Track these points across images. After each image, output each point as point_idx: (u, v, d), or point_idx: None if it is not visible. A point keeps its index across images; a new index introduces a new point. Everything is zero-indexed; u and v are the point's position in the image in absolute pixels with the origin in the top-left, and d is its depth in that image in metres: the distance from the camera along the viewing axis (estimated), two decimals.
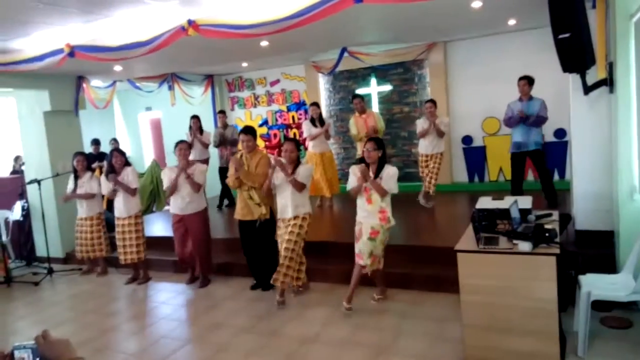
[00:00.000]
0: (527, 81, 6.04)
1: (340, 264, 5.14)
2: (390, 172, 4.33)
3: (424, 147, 7.05)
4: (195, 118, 8.34)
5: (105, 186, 5.95)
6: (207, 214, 5.72)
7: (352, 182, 4.45)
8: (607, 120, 4.41)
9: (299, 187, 4.65)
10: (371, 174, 4.33)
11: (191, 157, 8.02)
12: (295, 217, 4.72)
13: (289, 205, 4.71)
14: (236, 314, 4.76)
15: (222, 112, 8.58)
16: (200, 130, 8.29)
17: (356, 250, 4.46)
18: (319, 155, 7.42)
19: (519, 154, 6.23)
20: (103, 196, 6.41)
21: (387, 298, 4.67)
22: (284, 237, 4.74)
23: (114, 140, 9.21)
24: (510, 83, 6.70)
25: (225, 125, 8.37)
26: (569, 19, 3.83)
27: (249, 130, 5.15)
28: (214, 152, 8.55)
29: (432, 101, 6.96)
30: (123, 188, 5.81)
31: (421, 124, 6.97)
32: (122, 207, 5.89)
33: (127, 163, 6.05)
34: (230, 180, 5.12)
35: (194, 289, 5.62)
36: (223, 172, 7.77)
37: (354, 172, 4.43)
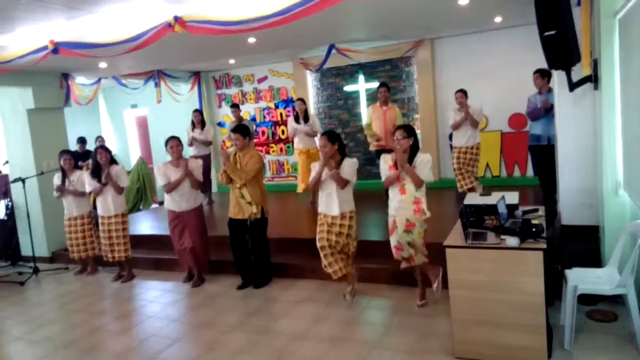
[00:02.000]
0: (540, 74, 5.90)
1: None
2: (424, 160, 4.08)
3: (458, 139, 6.78)
4: (197, 112, 8.32)
5: (90, 183, 5.87)
6: (203, 211, 5.67)
7: (385, 171, 4.23)
8: (592, 116, 4.47)
9: (342, 183, 4.41)
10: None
11: (192, 153, 8.07)
12: (342, 216, 4.48)
13: (334, 201, 4.47)
14: (226, 312, 4.74)
15: (236, 105, 8.41)
16: (202, 125, 8.23)
17: (393, 243, 4.23)
18: (304, 151, 7.43)
19: (540, 147, 6.01)
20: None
21: (439, 299, 4.27)
22: (330, 235, 4.48)
23: (100, 138, 9.10)
24: (497, 80, 6.79)
25: (240, 120, 8.29)
26: (554, 17, 3.86)
27: (237, 129, 5.13)
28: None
29: (462, 91, 6.62)
30: (112, 185, 5.75)
31: (452, 116, 6.75)
32: (110, 205, 5.82)
33: (113, 161, 5.96)
34: (219, 175, 5.12)
35: (183, 287, 5.58)
36: None
37: (386, 161, 4.23)
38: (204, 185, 8.41)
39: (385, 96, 6.97)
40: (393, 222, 4.22)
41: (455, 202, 6.74)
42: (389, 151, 4.72)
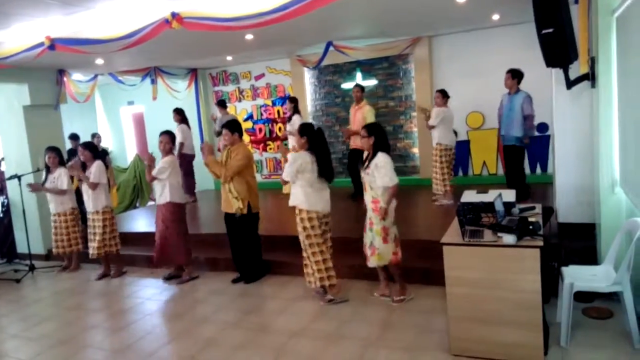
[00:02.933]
0: (511, 74, 6.05)
1: None
2: (379, 164, 4.13)
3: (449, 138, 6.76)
4: (175, 111, 8.56)
5: (67, 182, 6.13)
6: (177, 206, 5.52)
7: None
8: (589, 114, 4.48)
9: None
10: (366, 163, 4.28)
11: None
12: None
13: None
14: (223, 309, 4.74)
15: (222, 103, 8.75)
16: (182, 123, 8.51)
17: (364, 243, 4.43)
18: (291, 150, 7.50)
19: (505, 147, 6.37)
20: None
21: (404, 300, 4.39)
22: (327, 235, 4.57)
23: (96, 135, 9.04)
24: (494, 78, 6.77)
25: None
26: (552, 14, 3.86)
27: (227, 124, 5.18)
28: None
29: (440, 91, 6.74)
30: (86, 182, 5.82)
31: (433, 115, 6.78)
32: (90, 201, 5.91)
33: (98, 156, 6.02)
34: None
35: (178, 284, 5.58)
36: None
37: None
38: (188, 185, 8.44)
39: (357, 95, 7.19)
40: (366, 220, 4.40)
41: (452, 199, 6.73)
42: (360, 153, 4.79)
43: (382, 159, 4.16)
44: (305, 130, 4.46)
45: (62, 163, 6.36)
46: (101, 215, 5.91)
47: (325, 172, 4.43)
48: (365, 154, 4.38)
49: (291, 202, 4.52)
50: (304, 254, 4.54)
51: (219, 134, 8.21)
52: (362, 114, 7.05)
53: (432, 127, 6.72)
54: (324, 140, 4.52)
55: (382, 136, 4.25)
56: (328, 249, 4.55)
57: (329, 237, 4.60)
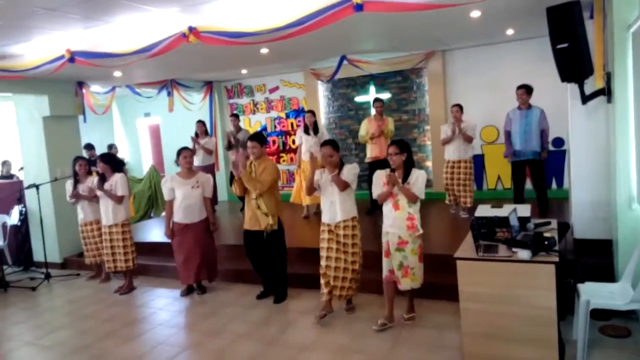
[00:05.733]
0: (525, 90, 6.05)
1: None
2: (419, 177, 4.05)
3: (450, 152, 6.71)
4: (200, 122, 8.48)
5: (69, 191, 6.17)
6: (208, 223, 5.57)
7: (377, 188, 4.19)
8: (605, 129, 4.44)
9: (342, 185, 4.34)
10: (399, 179, 4.06)
11: (195, 164, 8.13)
12: (345, 223, 4.41)
13: (337, 207, 4.40)
14: (235, 321, 4.74)
15: (235, 115, 8.62)
16: (206, 134, 8.43)
17: (385, 267, 4.18)
18: (307, 163, 7.46)
19: (518, 163, 6.26)
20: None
21: (414, 318, 4.34)
22: (331, 244, 4.42)
23: (113, 146, 9.17)
24: (508, 92, 6.74)
25: (238, 129, 8.40)
26: (567, 29, 3.86)
27: (255, 137, 5.06)
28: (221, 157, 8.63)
29: (459, 105, 6.65)
30: (107, 195, 5.72)
31: (445, 130, 6.75)
32: (109, 214, 5.79)
33: (117, 169, 5.91)
34: (233, 185, 5.02)
35: (193, 295, 5.60)
36: (232, 178, 7.80)
37: (379, 177, 4.20)
38: (215, 199, 8.51)
39: (380, 110, 7.23)
40: (387, 244, 4.18)
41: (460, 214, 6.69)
42: (383, 164, 4.69)
43: (422, 172, 4.10)
44: (406, 146, 4.25)
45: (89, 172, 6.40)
46: (121, 228, 5.83)
47: None
48: (385, 171, 4.16)
49: (347, 215, 4.40)
50: (347, 266, 4.40)
51: (230, 146, 8.31)
52: (387, 126, 7.10)
53: (472, 139, 6.67)
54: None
55: (411, 152, 4.18)
56: None
57: None
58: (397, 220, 4.09)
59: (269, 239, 5.00)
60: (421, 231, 4.10)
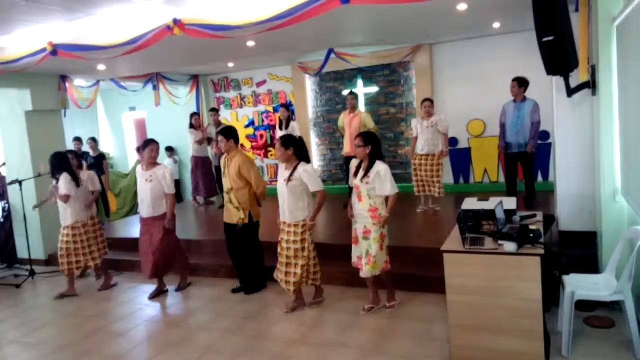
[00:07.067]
0: (517, 82, 6.07)
1: (327, 266, 5.12)
2: (380, 172, 4.07)
3: (419, 146, 6.70)
4: (196, 114, 8.67)
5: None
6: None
7: (352, 178, 4.33)
8: (590, 122, 4.47)
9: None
10: (361, 172, 4.19)
11: (193, 154, 8.30)
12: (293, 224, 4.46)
13: (285, 208, 4.48)
14: (222, 316, 4.72)
15: (214, 109, 8.76)
16: (200, 127, 8.60)
17: (354, 254, 4.36)
18: None
19: (511, 155, 6.33)
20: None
21: (397, 305, 4.46)
22: (282, 242, 4.56)
23: (92, 140, 8.77)
24: (495, 85, 6.80)
25: (218, 124, 8.45)
26: (552, 22, 3.86)
27: (223, 131, 5.07)
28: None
29: (429, 100, 6.73)
30: (55, 194, 5.50)
31: (414, 125, 6.75)
32: (61, 215, 5.63)
33: (65, 169, 5.51)
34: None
35: (178, 291, 5.56)
36: (218, 170, 7.81)
37: (352, 167, 4.33)
38: (211, 189, 8.53)
39: (351, 103, 7.15)
40: (355, 231, 4.33)
41: (453, 206, 6.72)
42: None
43: (383, 167, 4.11)
44: (290, 141, 4.42)
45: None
46: (70, 230, 5.58)
47: None
48: (356, 161, 4.30)
49: (299, 217, 4.43)
50: (303, 262, 4.48)
51: (209, 141, 8.38)
52: (359, 121, 7.03)
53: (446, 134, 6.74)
54: (306, 151, 4.59)
55: (378, 145, 4.20)
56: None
57: None
58: (361, 211, 4.22)
59: (243, 232, 5.06)
60: (383, 213, 4.16)
